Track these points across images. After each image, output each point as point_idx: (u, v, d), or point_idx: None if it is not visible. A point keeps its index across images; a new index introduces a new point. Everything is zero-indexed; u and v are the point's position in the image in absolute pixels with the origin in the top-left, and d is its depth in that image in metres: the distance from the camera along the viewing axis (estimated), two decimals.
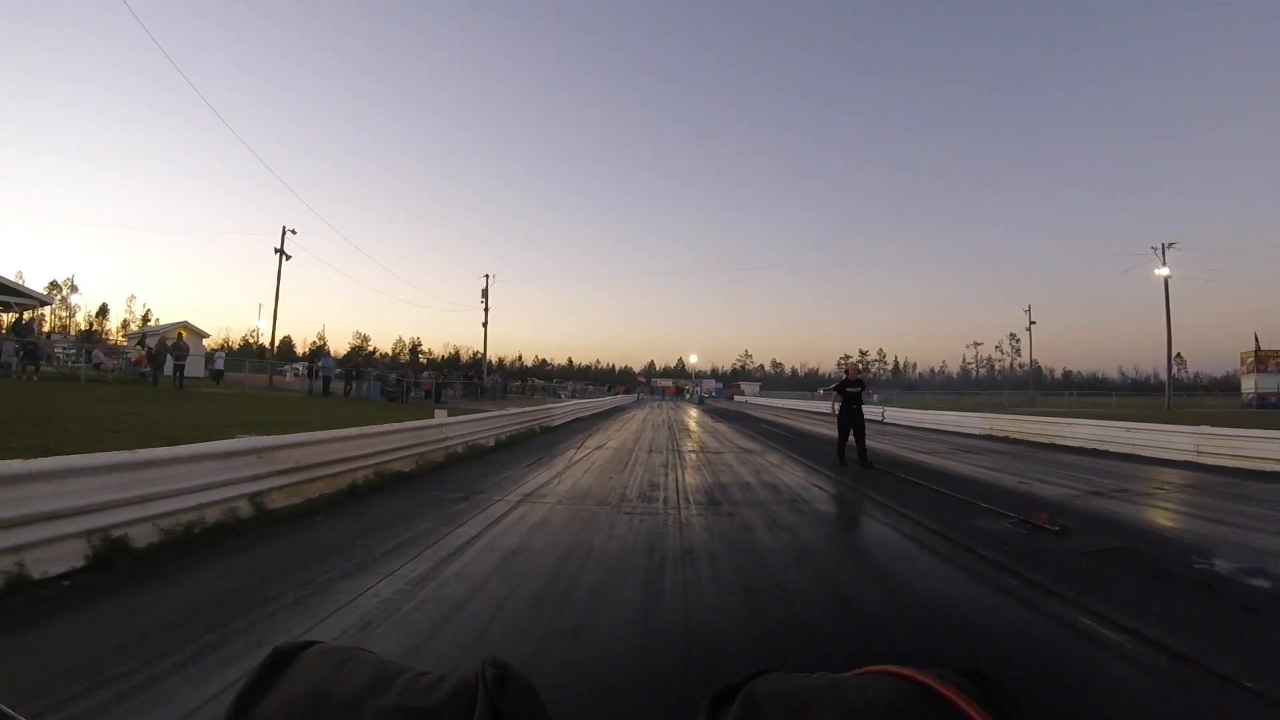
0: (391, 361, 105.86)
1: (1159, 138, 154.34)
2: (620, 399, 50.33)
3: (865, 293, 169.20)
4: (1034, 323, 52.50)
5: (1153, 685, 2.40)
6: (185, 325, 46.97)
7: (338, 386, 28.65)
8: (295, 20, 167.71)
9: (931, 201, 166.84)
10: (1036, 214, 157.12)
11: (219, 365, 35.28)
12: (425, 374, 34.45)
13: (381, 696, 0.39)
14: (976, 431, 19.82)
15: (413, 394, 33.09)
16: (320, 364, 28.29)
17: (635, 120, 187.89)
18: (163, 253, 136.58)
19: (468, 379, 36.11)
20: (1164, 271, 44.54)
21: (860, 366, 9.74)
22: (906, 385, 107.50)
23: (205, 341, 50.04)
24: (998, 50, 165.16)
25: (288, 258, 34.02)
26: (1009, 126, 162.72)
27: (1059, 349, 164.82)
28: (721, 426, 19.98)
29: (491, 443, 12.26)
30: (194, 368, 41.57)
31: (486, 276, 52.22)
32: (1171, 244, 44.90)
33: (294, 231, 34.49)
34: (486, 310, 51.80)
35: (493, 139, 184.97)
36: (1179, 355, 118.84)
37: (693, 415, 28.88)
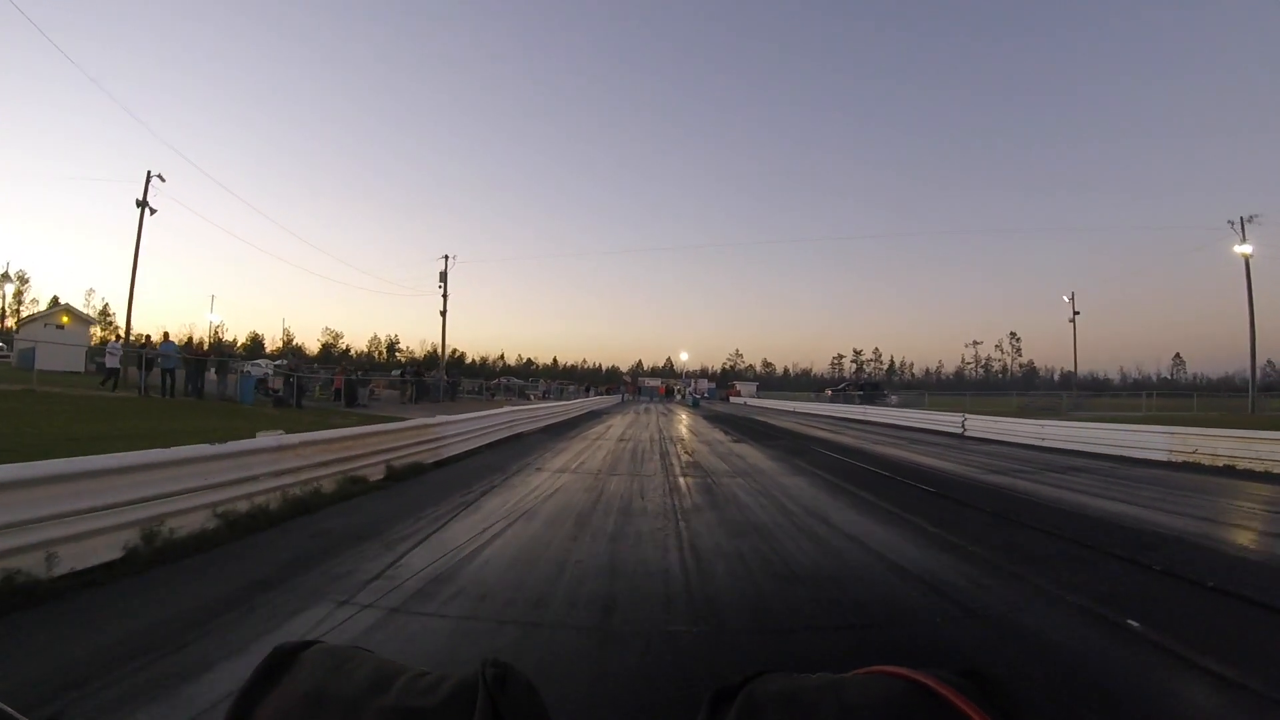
0: (366, 360, 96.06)
1: (1153, 137, 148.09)
2: (601, 400, 41.34)
3: (859, 292, 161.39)
4: (1078, 313, 44.25)
5: None
6: (67, 309, 37.60)
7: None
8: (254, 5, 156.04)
9: (928, 200, 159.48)
10: (1035, 211, 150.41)
11: (111, 362, 25.34)
12: (336, 367, 25.42)
13: (381, 696, 0.38)
14: (1163, 456, 11.52)
15: (319, 394, 24.10)
16: (159, 352, 19.17)
17: (624, 119, 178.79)
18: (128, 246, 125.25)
19: (404, 376, 27.04)
20: (1245, 249, 36.43)
21: None
22: (904, 385, 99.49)
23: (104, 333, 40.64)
24: (991, 48, 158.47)
25: (152, 211, 24.94)
26: (1006, 128, 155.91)
27: (1055, 349, 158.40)
28: (752, 452, 11.20)
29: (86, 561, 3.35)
30: (72, 360, 32.22)
31: (445, 258, 43.25)
32: (1253, 217, 36.86)
33: (161, 178, 25.39)
34: (445, 297, 42.78)
35: (490, 137, 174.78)
36: (1177, 355, 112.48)
37: (694, 425, 20.01)
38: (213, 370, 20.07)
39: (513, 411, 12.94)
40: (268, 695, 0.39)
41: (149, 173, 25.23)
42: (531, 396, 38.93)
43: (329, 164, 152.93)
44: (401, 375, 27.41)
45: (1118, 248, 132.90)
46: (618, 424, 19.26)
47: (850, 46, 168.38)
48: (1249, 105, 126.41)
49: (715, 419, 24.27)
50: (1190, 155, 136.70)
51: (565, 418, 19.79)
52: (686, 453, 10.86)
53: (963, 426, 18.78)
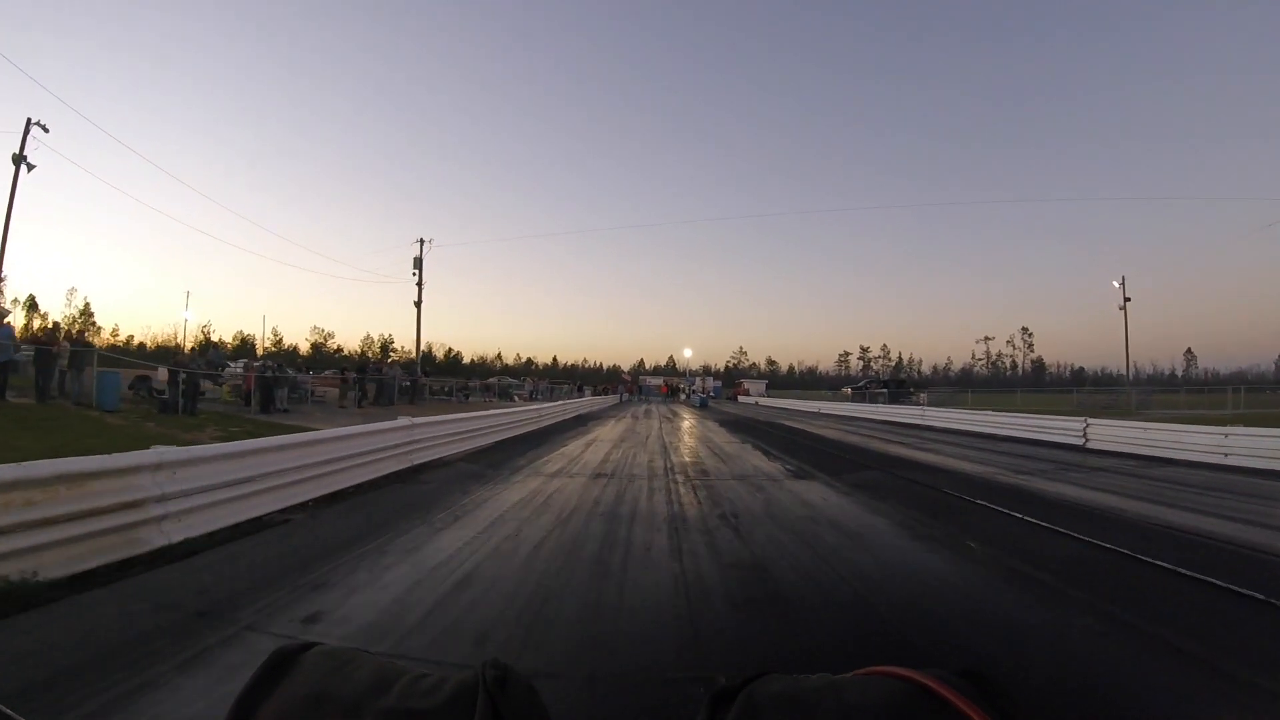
0: (359, 359, 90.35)
1: (1158, 137, 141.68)
2: (595, 401, 35.82)
3: (862, 289, 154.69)
4: (1129, 299, 38.52)
5: None
6: None
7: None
8: None
9: (933, 197, 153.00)
10: (1040, 208, 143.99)
11: None
12: (241, 362, 20.03)
13: (382, 698, 0.37)
14: None
15: (227, 396, 18.65)
16: None
17: (621, 116, 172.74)
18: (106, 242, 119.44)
19: (343, 374, 21.53)
20: None
21: None
22: (916, 384, 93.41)
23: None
24: (996, 46, 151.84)
25: (30, 167, 19.60)
26: (1009, 129, 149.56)
27: (1056, 346, 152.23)
28: (851, 511, 5.71)
29: None
30: None
31: (420, 242, 37.91)
32: None
33: (44, 128, 20.07)
34: (420, 286, 37.40)
35: (489, 135, 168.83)
36: (1189, 350, 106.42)
37: (709, 436, 14.50)
38: (65, 364, 14.58)
39: (409, 427, 7.37)
40: (268, 696, 0.38)
41: (28, 121, 19.93)
42: (516, 398, 33.45)
43: (315, 160, 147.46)
44: (340, 373, 21.90)
45: (1120, 245, 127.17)
46: (606, 435, 13.71)
47: (854, 42, 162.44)
48: (1253, 104, 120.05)
49: (734, 425, 18.70)
50: (1194, 154, 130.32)
51: (535, 427, 14.24)
52: (724, 518, 5.24)
53: (1084, 435, 13.25)
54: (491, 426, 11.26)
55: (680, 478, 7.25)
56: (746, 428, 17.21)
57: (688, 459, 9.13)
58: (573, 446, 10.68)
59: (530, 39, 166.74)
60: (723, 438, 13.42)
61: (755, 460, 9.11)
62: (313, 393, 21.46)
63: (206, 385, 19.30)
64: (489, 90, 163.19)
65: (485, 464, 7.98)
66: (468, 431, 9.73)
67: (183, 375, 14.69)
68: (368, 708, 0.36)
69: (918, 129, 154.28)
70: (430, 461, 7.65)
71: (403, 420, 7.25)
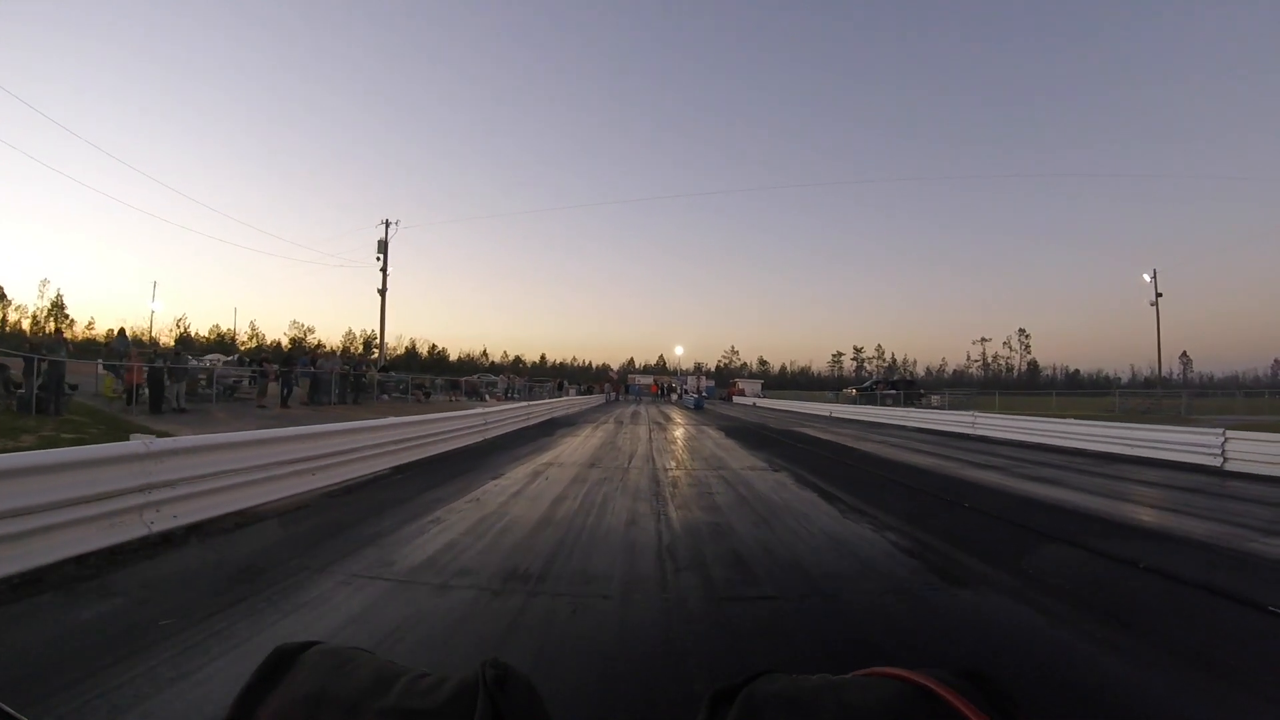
0: (342, 355, 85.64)
1: (1157, 140, 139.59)
2: (576, 402, 32.05)
3: (855, 289, 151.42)
4: (1160, 294, 35.29)
5: None
6: None
7: None
8: None
9: (928, 197, 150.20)
10: (1038, 208, 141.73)
11: None
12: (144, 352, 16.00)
13: (382, 698, 0.37)
14: None
15: (108, 391, 14.79)
16: None
17: (611, 111, 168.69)
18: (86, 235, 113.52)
19: (260, 366, 17.60)
20: None
21: None
22: (925, 386, 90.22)
23: None
24: (997, 48, 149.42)
25: None
26: (1006, 126, 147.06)
27: (1052, 348, 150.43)
28: None
29: None
30: None
31: (385, 224, 34.06)
32: None
33: None
34: (385, 272, 33.58)
35: (484, 130, 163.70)
36: (1184, 354, 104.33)
37: (721, 457, 10.95)
38: None
39: (143, 456, 3.63)
40: (268, 696, 0.37)
41: None
42: (488, 397, 29.62)
43: (310, 155, 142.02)
44: (259, 365, 18.01)
45: (1116, 246, 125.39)
46: (571, 456, 9.99)
47: (846, 42, 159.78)
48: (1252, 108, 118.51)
49: (745, 435, 15.06)
50: (1196, 155, 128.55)
51: (480, 438, 10.48)
52: None
53: (1222, 453, 9.81)
54: (408, 440, 7.56)
55: (693, 584, 3.41)
56: (762, 440, 13.57)
57: (699, 513, 5.33)
58: (509, 480, 6.92)
59: (528, 28, 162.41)
60: (740, 459, 9.75)
61: (821, 517, 5.24)
62: (234, 389, 17.65)
63: (105, 375, 15.63)
64: (483, 84, 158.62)
65: (311, 527, 4.24)
66: (347, 452, 6.03)
67: (43, 366, 10.99)
68: (367, 707, 0.35)
69: (922, 131, 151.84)
70: (215, 518, 3.96)
71: (134, 443, 3.55)
